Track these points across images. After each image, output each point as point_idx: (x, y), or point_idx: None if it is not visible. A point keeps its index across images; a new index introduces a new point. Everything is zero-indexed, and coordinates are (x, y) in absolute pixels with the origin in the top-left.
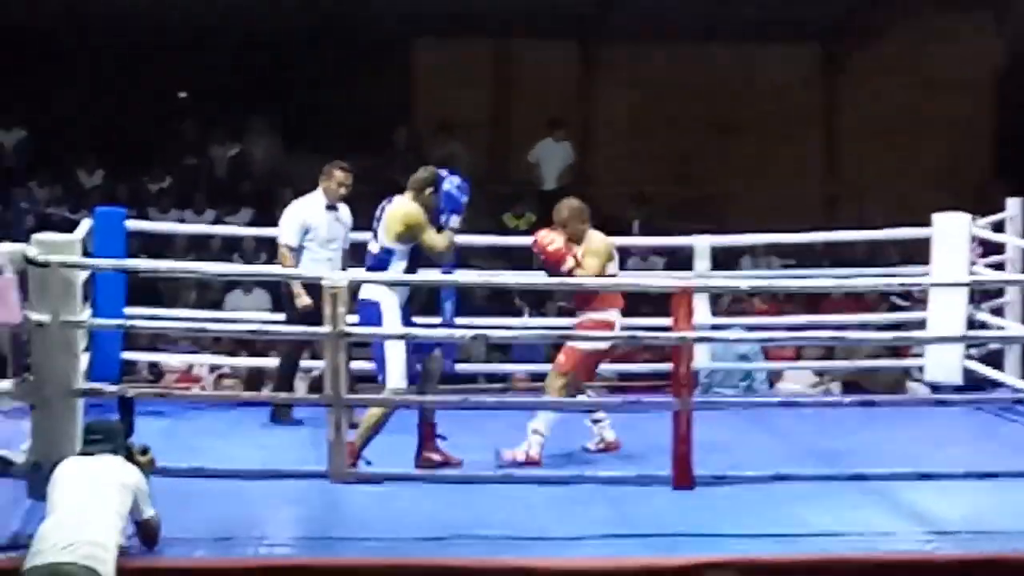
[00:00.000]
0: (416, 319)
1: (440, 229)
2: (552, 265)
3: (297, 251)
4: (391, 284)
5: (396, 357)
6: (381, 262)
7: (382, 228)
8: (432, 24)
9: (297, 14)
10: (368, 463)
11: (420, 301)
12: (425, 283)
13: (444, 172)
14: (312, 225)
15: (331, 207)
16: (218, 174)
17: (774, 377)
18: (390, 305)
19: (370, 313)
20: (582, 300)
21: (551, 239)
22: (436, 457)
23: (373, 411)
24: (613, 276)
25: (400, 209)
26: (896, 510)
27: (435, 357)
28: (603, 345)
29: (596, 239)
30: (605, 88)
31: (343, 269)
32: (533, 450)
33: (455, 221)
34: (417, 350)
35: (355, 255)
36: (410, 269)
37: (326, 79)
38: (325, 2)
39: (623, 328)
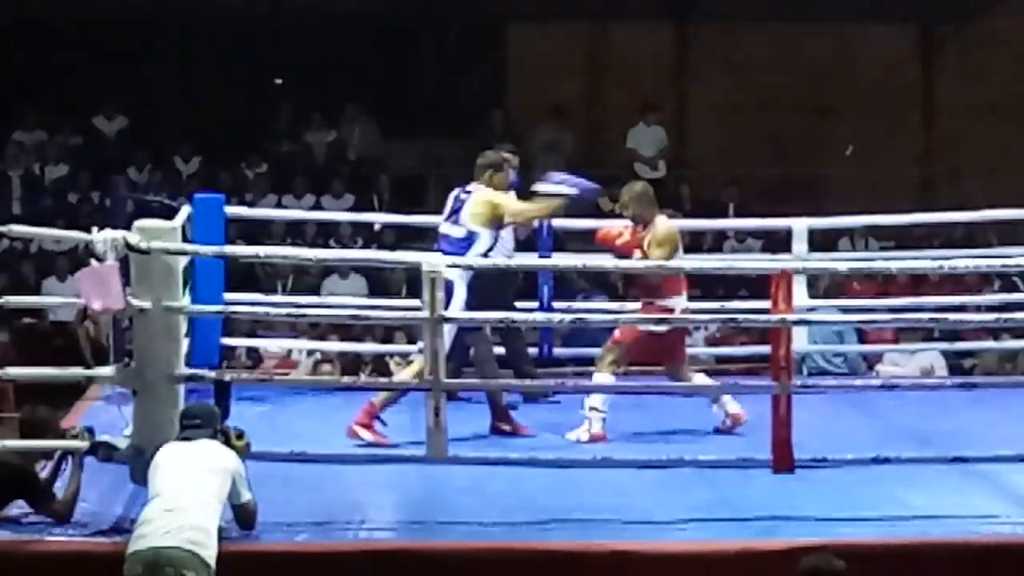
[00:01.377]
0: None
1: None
2: (621, 258)
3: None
4: (484, 269)
5: (448, 333)
6: (464, 246)
7: (466, 214)
8: (527, 8)
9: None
10: (384, 424)
11: (514, 284)
12: (523, 267)
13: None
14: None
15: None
16: (316, 160)
17: (874, 360)
18: (460, 287)
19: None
20: (647, 289)
21: (617, 232)
22: (506, 427)
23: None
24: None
25: (483, 195)
26: (998, 493)
27: (483, 336)
28: (660, 329)
29: (661, 228)
30: (700, 71)
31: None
32: (596, 427)
33: (574, 189)
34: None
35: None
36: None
37: (422, 64)
38: None
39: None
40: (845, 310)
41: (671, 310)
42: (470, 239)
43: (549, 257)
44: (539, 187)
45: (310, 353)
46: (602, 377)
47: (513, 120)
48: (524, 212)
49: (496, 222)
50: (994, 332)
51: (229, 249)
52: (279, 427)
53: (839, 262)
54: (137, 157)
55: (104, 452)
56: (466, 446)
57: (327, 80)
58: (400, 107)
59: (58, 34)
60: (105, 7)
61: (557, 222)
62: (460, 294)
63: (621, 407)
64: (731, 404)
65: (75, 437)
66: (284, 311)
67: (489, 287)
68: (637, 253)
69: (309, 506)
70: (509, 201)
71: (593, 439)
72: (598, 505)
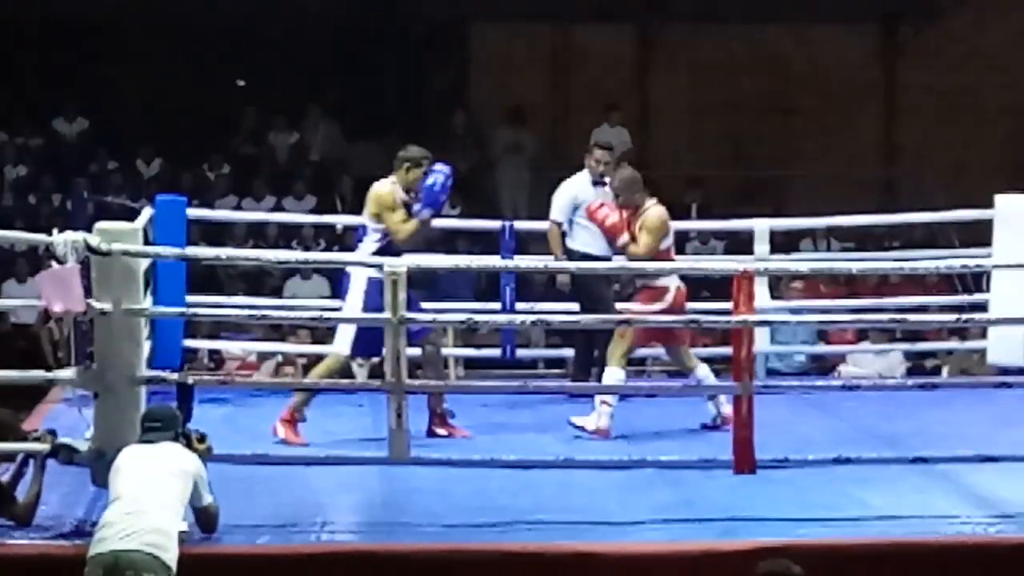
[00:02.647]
0: (474, 304)
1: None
2: (610, 240)
3: (568, 228)
4: (454, 269)
5: (349, 326)
6: (358, 239)
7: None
8: (490, 8)
9: (355, 0)
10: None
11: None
12: (484, 269)
13: (437, 165)
14: (580, 201)
15: (598, 182)
16: (278, 161)
17: (836, 360)
18: (358, 279)
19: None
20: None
21: (606, 213)
22: (442, 432)
23: (319, 370)
24: (668, 250)
25: (375, 190)
26: (959, 493)
27: (430, 340)
28: (661, 308)
29: (652, 215)
30: (662, 71)
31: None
32: (603, 421)
33: (426, 214)
34: (412, 335)
35: None
36: (385, 250)
37: (383, 65)
38: None
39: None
40: (801, 311)
41: (666, 289)
42: (363, 232)
43: (511, 258)
44: (417, 210)
45: (272, 355)
46: (613, 372)
47: (476, 121)
48: (396, 233)
49: (378, 219)
50: (959, 332)
51: (191, 251)
52: (241, 429)
53: (800, 263)
54: (98, 158)
55: (65, 455)
56: (428, 447)
57: (289, 81)
58: (363, 108)
59: (18, 35)
60: (65, 8)
61: (520, 224)
62: (357, 288)
63: (585, 409)
64: (725, 405)
65: (37, 440)
66: (245, 312)
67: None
68: (624, 236)
69: (271, 508)
70: (391, 215)
71: (597, 432)
72: (561, 506)
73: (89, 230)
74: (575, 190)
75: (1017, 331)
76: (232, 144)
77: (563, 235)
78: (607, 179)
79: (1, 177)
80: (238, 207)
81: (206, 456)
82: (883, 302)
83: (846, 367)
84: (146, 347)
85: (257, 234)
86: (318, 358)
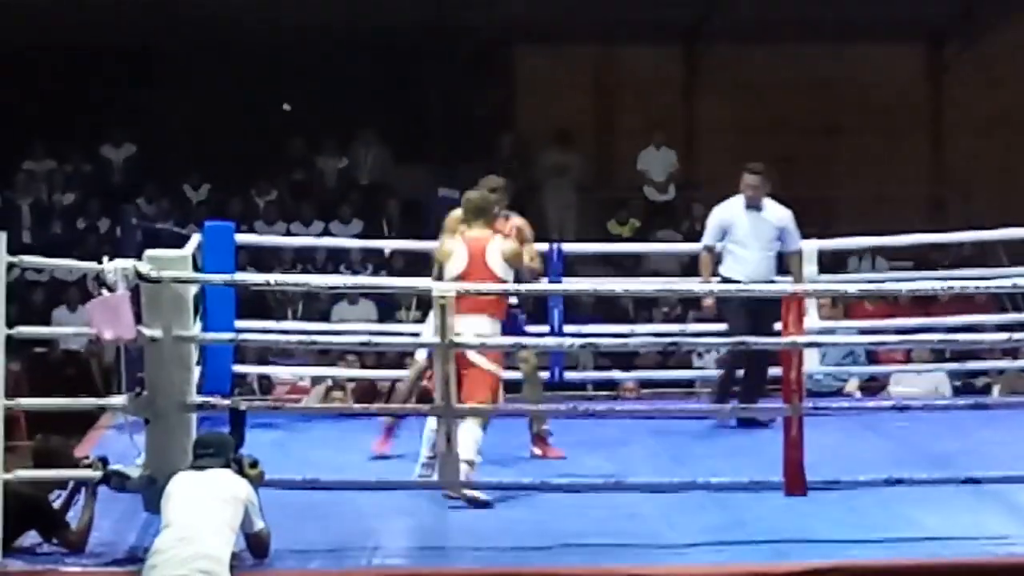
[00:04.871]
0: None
1: None
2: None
3: (719, 253)
4: (507, 294)
5: None
6: None
7: None
8: (534, 31)
9: (400, 24)
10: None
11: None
12: (533, 292)
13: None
14: (729, 225)
15: (752, 206)
16: (327, 186)
17: (885, 380)
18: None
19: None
20: None
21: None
22: (537, 451)
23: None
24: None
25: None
26: (1011, 513)
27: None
28: None
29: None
30: (708, 92)
31: (771, 270)
32: None
33: None
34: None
35: None
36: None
37: (430, 88)
38: (427, 11)
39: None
40: (851, 331)
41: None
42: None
43: (559, 281)
44: None
45: (321, 380)
46: None
47: (522, 143)
48: (534, 258)
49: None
50: (1009, 351)
51: (239, 277)
52: (291, 454)
53: (849, 284)
54: (146, 185)
55: (117, 481)
56: (479, 471)
57: (335, 105)
58: (409, 132)
59: (65, 62)
60: (111, 34)
61: (568, 246)
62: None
63: (634, 430)
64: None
65: (88, 466)
66: (295, 338)
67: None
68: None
69: (322, 533)
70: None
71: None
72: (610, 529)
73: (138, 257)
74: (725, 214)
75: None
76: (280, 169)
77: (717, 260)
78: (765, 204)
79: (51, 204)
80: (287, 232)
81: (258, 482)
82: (932, 321)
83: (894, 387)
84: (196, 373)
85: (305, 259)
86: (369, 382)
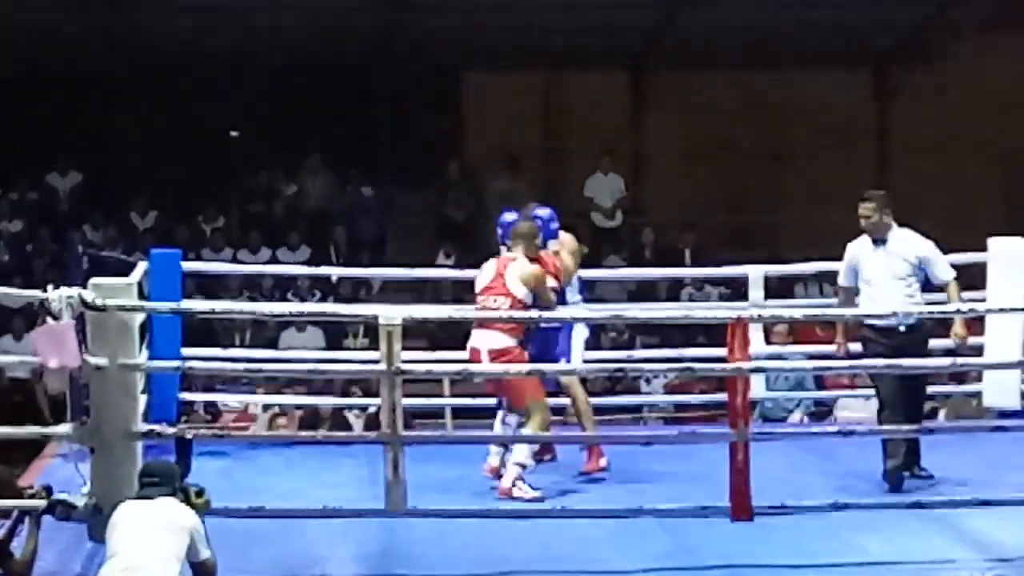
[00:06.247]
0: None
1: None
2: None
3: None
4: (516, 321)
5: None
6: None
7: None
8: (483, 56)
9: (348, 49)
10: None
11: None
12: (530, 320)
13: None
14: (857, 263)
15: (878, 240)
16: (275, 212)
17: (831, 405)
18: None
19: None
20: None
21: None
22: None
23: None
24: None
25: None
26: (957, 538)
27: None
28: None
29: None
30: (656, 118)
31: (909, 305)
32: None
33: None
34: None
35: None
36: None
37: (379, 114)
38: (376, 37)
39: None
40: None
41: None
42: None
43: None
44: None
45: (267, 407)
46: None
47: (470, 169)
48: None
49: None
50: (955, 376)
51: (186, 304)
52: (238, 482)
53: (794, 309)
54: (92, 212)
55: (62, 510)
56: (426, 497)
57: (285, 132)
58: (357, 158)
59: (9, 89)
60: (58, 63)
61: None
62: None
63: (582, 457)
64: (493, 456)
65: (33, 496)
66: (242, 366)
67: None
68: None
69: (269, 561)
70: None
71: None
72: (558, 556)
73: (84, 284)
74: (852, 252)
75: (1012, 374)
76: (228, 197)
77: (854, 298)
78: (891, 237)
79: None
80: (234, 259)
81: (204, 510)
82: None
83: (840, 412)
84: (142, 401)
85: (253, 285)
86: (313, 409)
